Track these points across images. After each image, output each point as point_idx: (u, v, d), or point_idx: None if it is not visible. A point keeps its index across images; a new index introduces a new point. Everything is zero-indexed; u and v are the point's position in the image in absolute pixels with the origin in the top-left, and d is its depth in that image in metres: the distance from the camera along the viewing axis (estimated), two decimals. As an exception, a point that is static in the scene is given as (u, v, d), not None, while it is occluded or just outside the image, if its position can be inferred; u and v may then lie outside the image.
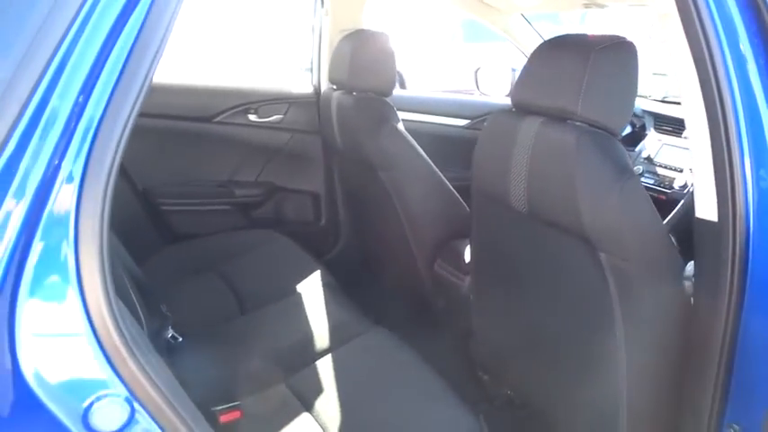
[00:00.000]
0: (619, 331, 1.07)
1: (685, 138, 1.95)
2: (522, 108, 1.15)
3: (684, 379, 1.07)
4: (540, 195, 1.10)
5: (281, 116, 2.19)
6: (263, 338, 1.41)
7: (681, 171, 1.86)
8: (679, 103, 2.08)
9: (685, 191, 1.79)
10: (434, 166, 1.72)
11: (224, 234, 2.04)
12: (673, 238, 1.12)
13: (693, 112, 0.93)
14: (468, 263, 1.55)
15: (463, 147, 2.31)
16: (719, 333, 0.97)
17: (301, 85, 2.23)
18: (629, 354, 1.08)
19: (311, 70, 2.23)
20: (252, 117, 2.17)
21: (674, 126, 1.99)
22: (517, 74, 2.24)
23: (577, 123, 1.02)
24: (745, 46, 0.88)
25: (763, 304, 0.93)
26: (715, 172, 0.91)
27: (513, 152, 1.12)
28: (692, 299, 1.07)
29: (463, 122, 2.42)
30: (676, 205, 1.78)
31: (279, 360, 1.32)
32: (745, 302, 0.94)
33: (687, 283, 1.06)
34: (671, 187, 1.86)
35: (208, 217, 2.17)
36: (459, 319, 1.61)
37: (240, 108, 2.14)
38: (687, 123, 0.98)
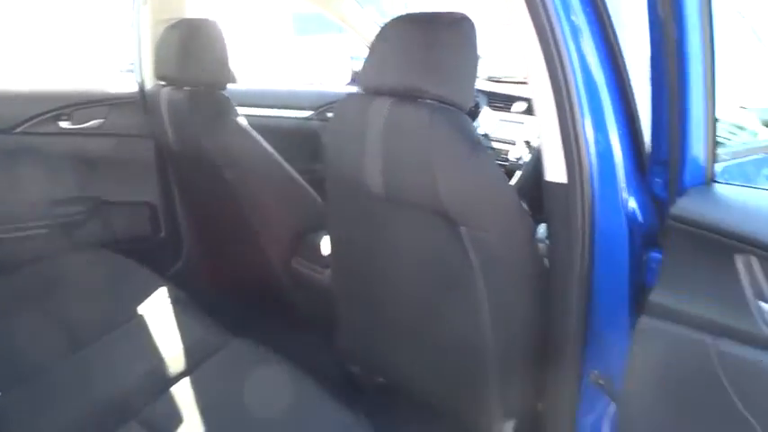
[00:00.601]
0: (482, 299, 1.09)
1: (515, 112, 2.08)
2: (371, 90, 1.12)
3: (547, 331, 1.12)
4: (396, 176, 1.08)
5: (100, 120, 1.94)
6: (102, 375, 1.23)
7: (514, 144, 1.97)
8: (504, 82, 2.23)
9: (520, 161, 1.91)
10: (282, 160, 1.64)
11: (46, 261, 1.76)
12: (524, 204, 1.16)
13: (539, 84, 0.96)
14: (327, 255, 1.50)
15: (309, 138, 2.27)
16: (575, 287, 1.02)
17: (123, 84, 2.00)
18: (493, 318, 1.11)
19: (134, 67, 2.01)
20: (64, 124, 1.89)
21: (504, 102, 2.10)
22: (356, 62, 2.23)
23: (428, 101, 1.02)
24: (579, 17, 0.91)
25: (609, 257, 0.99)
26: (562, 138, 0.95)
27: (366, 135, 1.09)
28: (545, 259, 1.13)
29: (306, 114, 2.35)
30: (512, 176, 1.89)
31: (126, 394, 1.16)
32: (595, 256, 0.99)
33: (540, 245, 1.11)
34: (507, 159, 1.96)
35: (23, 243, 1.87)
36: (322, 315, 1.56)
37: (48, 115, 1.86)
38: (533, 95, 1.01)
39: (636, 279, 0.99)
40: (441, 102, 1.02)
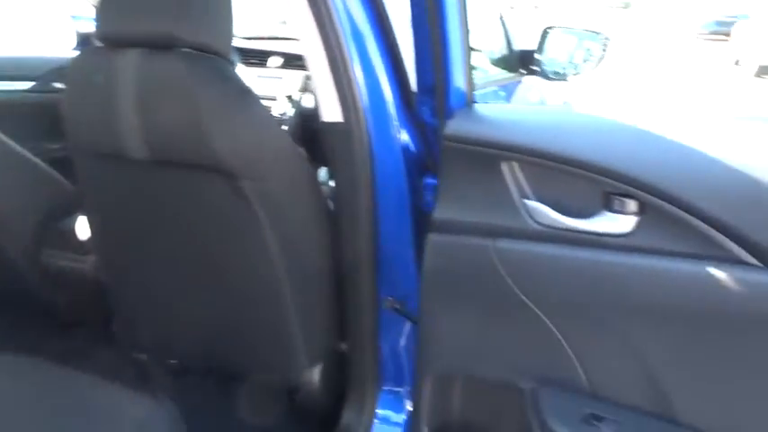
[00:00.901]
0: (272, 250, 1.07)
1: (272, 67, 2.04)
2: (112, 42, 0.97)
3: (341, 269, 1.14)
4: (160, 136, 0.98)
5: None
6: None
7: (275, 99, 1.94)
8: (257, 38, 2.18)
9: (285, 116, 1.89)
10: (10, 142, 1.36)
11: None
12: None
13: (308, 34, 0.95)
14: (87, 239, 1.31)
15: (36, 114, 1.92)
16: (362, 221, 1.05)
17: None
18: (287, 267, 1.09)
19: None
20: None
21: (259, 58, 2.05)
22: (81, 22, 1.94)
23: (185, 50, 0.92)
24: None
25: (390, 188, 1.04)
26: (335, 83, 0.96)
27: (115, 96, 0.96)
28: (329, 201, 1.14)
29: (26, 85, 1.98)
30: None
31: None
32: (377, 189, 1.03)
33: (324, 188, 1.12)
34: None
35: None
36: (92, 308, 1.37)
37: None
38: (303, 45, 0.99)
39: (416, 205, 1.06)
40: (199, 50, 0.94)
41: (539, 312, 0.83)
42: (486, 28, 1.72)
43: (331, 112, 1.01)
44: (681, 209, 0.67)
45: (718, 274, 0.66)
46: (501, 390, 0.96)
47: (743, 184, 0.65)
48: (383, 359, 1.22)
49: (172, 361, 1.42)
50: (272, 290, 1.13)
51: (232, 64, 1.98)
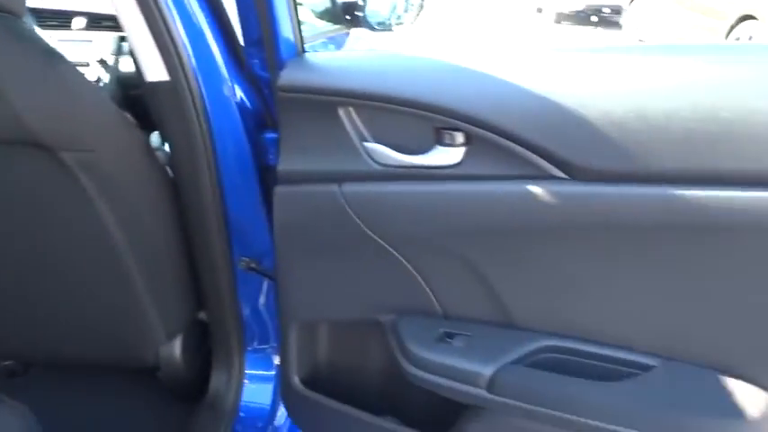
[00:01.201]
0: (110, 225, 1.01)
1: (77, 29, 1.84)
2: None
3: (190, 236, 1.11)
4: None
5: None
6: None
7: (88, 65, 1.76)
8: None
9: (101, 83, 1.73)
10: None
11: None
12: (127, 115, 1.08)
13: None
14: None
15: None
16: (205, 185, 1.02)
17: None
18: (130, 241, 1.04)
19: None
20: None
21: (59, 20, 1.83)
22: None
23: None
24: None
25: (230, 147, 1.02)
26: (155, 38, 0.91)
27: None
28: (167, 167, 1.09)
29: None
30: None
31: None
32: (217, 150, 1.00)
33: (159, 154, 1.06)
34: None
35: None
36: None
37: None
38: (115, 4, 0.91)
39: (260, 161, 1.05)
40: None
41: (389, 248, 0.88)
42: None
43: (154, 71, 0.95)
44: (501, 136, 0.75)
45: (537, 190, 0.75)
46: (363, 327, 1.01)
47: (551, 110, 0.73)
48: (245, 320, 1.22)
49: (7, 363, 1.29)
50: (114, 268, 1.06)
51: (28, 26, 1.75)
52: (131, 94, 1.50)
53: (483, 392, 0.84)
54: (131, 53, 0.99)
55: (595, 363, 0.83)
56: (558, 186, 0.74)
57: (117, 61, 1.74)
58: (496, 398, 0.83)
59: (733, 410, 0.74)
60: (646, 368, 0.80)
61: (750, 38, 5.60)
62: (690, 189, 0.67)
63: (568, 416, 0.80)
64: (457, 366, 0.85)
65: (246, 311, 1.21)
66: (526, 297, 0.85)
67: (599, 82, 0.72)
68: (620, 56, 0.75)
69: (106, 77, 1.73)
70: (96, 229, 1.00)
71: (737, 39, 5.65)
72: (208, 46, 0.97)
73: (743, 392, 0.75)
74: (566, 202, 0.74)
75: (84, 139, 0.91)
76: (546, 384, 0.82)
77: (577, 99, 0.71)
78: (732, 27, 5.68)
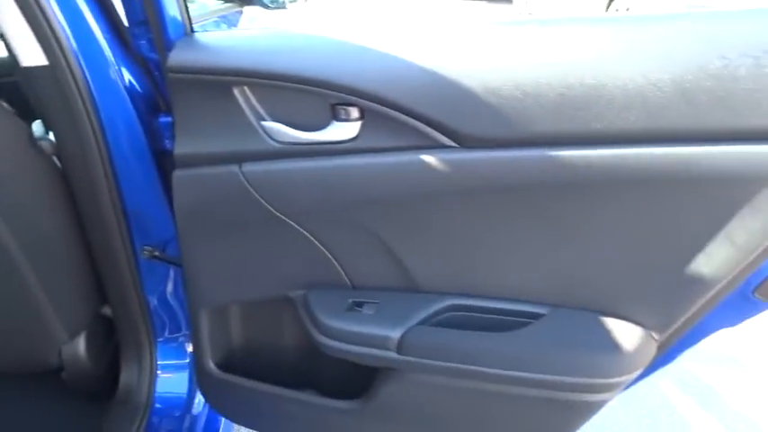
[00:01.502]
0: (2, 230, 0.96)
1: None
2: None
3: (87, 230, 1.08)
4: None
5: None
6: None
7: None
8: None
9: None
10: None
11: None
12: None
13: None
14: None
15: None
16: (97, 174, 0.98)
17: None
18: (21, 242, 0.99)
19: None
20: None
21: None
22: None
23: None
24: None
25: (122, 133, 0.98)
26: (28, 20, 0.87)
27: None
28: (54, 157, 1.03)
29: None
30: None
31: None
32: (107, 136, 0.97)
33: (44, 144, 1.00)
34: None
35: None
36: None
37: None
38: None
39: (157, 147, 1.02)
40: None
41: (294, 225, 0.89)
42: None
43: (30, 55, 0.89)
44: (394, 109, 0.78)
45: (430, 159, 0.79)
46: (274, 305, 1.02)
47: (438, 83, 0.76)
48: (153, 310, 1.19)
49: None
50: (3, 268, 1.00)
51: None
52: (4, 81, 1.39)
53: (393, 354, 0.88)
54: (1, 36, 0.92)
55: (494, 316, 0.89)
56: (448, 154, 0.78)
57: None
58: (406, 358, 0.88)
59: (613, 346, 0.82)
60: (537, 317, 0.87)
61: (627, 9, 6.03)
62: (564, 150, 0.73)
63: (472, 367, 0.87)
64: (366, 332, 0.89)
65: (154, 301, 1.19)
66: (428, 262, 0.89)
67: (482, 55, 0.77)
68: (503, 29, 0.80)
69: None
70: None
71: (617, 10, 6.07)
72: (88, 26, 0.92)
73: (621, 330, 0.84)
74: (456, 169, 0.78)
75: None
76: (450, 340, 0.87)
77: (462, 72, 0.75)
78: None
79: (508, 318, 0.88)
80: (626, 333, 0.83)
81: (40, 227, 1.05)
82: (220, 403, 1.15)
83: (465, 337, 0.87)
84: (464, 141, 0.77)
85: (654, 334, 0.84)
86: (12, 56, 0.91)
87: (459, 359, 0.87)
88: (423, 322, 0.89)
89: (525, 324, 0.87)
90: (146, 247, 1.10)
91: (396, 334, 0.87)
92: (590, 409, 0.89)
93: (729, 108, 0.66)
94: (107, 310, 1.24)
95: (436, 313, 0.90)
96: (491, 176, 0.78)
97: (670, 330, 0.84)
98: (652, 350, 0.85)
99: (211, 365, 1.09)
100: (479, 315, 0.89)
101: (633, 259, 0.80)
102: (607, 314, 0.85)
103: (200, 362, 1.09)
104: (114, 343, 1.26)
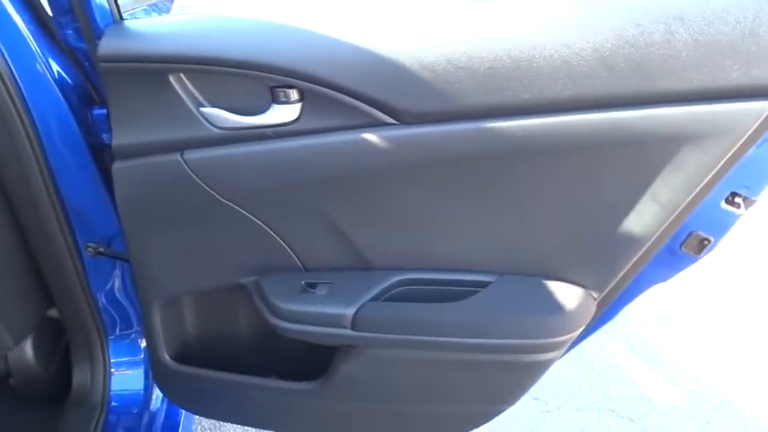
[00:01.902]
0: None
1: None
2: None
3: (27, 233, 1.05)
4: None
5: None
6: None
7: None
8: None
9: None
10: None
11: None
12: None
13: None
14: None
15: None
16: (33, 173, 0.96)
17: None
18: None
19: None
20: None
21: None
22: None
23: None
24: None
25: (55, 128, 0.96)
26: None
27: None
28: None
29: None
30: None
31: None
32: (40, 132, 0.94)
33: None
34: None
35: None
36: None
37: None
38: None
39: (90, 140, 0.99)
40: None
41: (242, 211, 0.89)
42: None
43: None
44: (333, 89, 0.78)
45: (370, 136, 0.80)
46: (227, 293, 1.01)
47: (374, 61, 0.77)
48: (102, 308, 1.17)
49: None
50: None
51: None
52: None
53: (348, 332, 0.90)
54: None
55: (443, 288, 0.91)
56: (388, 131, 0.79)
57: None
58: (361, 334, 0.90)
59: (556, 307, 0.87)
60: (485, 285, 0.90)
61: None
62: (497, 121, 0.75)
63: (425, 338, 0.89)
64: (320, 311, 0.90)
65: (102, 299, 1.16)
66: (377, 239, 0.90)
67: (415, 31, 0.78)
68: (434, 5, 0.82)
69: None
70: None
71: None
72: (10, 17, 0.89)
73: (563, 291, 0.88)
74: (397, 145, 0.80)
75: None
76: (403, 313, 0.89)
77: (396, 48, 0.76)
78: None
79: (457, 288, 0.91)
80: (567, 294, 0.87)
81: None
82: (179, 396, 1.14)
83: (417, 309, 0.89)
84: (402, 117, 0.78)
85: (593, 293, 0.89)
86: None
87: (413, 331, 0.89)
88: (375, 298, 0.90)
89: (473, 293, 0.89)
90: (90, 244, 1.07)
91: (349, 311, 0.89)
92: (539, 369, 0.93)
93: (646, 73, 0.70)
94: (54, 312, 1.20)
95: (388, 288, 0.91)
96: (431, 151, 0.80)
97: (608, 288, 0.89)
98: (592, 308, 0.89)
99: (167, 358, 1.07)
100: (429, 288, 0.92)
101: (569, 223, 0.84)
102: (549, 277, 0.89)
103: (154, 356, 1.07)
104: (64, 345, 1.23)
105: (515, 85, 0.73)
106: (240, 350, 1.10)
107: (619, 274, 0.87)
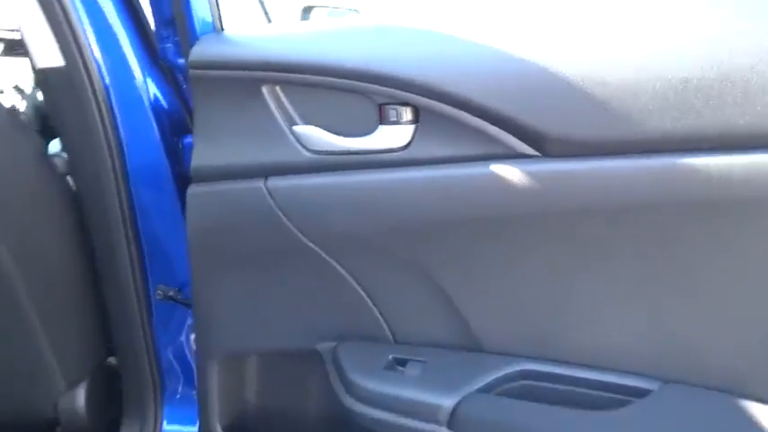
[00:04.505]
0: (5, 260, 0.87)
1: None
2: None
3: (98, 265, 0.98)
4: None
5: None
6: None
7: (2, 92, 1.64)
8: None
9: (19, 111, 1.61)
10: None
11: None
12: None
13: None
14: None
15: None
16: (112, 192, 0.89)
17: None
18: (22, 267, 0.90)
19: None
20: None
21: None
22: None
23: None
24: None
25: (142, 153, 0.90)
26: (50, 24, 0.81)
27: None
28: (67, 177, 0.96)
29: None
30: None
31: None
32: (126, 157, 0.88)
33: (57, 160, 0.94)
34: None
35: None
36: None
37: None
38: None
39: (177, 170, 0.92)
40: None
41: (326, 257, 0.75)
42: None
43: (47, 55, 0.83)
44: (456, 107, 0.64)
45: (501, 171, 0.63)
46: (297, 359, 0.87)
47: (517, 73, 0.63)
48: (163, 363, 1.06)
49: None
50: (4, 303, 0.92)
51: None
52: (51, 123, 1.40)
53: (443, 429, 0.70)
54: (22, 40, 0.86)
55: (580, 390, 0.70)
56: (526, 166, 0.62)
57: (35, 89, 1.63)
58: None
59: None
60: (642, 393, 0.67)
61: None
62: (688, 156, 0.55)
63: None
64: (409, 398, 0.72)
65: (166, 353, 1.05)
66: (493, 311, 0.73)
67: (573, 35, 0.63)
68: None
69: (23, 105, 1.61)
70: None
71: None
72: (111, 27, 0.85)
73: (758, 414, 0.62)
74: (537, 185, 0.63)
75: None
76: (521, 415, 0.69)
77: (546, 58, 0.61)
78: None
79: (599, 392, 0.69)
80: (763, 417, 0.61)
81: (47, 258, 0.96)
82: None
83: (543, 412, 0.68)
84: (549, 148, 0.62)
85: None
86: (30, 59, 0.85)
87: None
88: (484, 390, 0.71)
89: (624, 403, 0.67)
90: (160, 287, 0.98)
91: (448, 402, 0.70)
92: None
93: None
94: (113, 360, 1.11)
95: (502, 380, 0.72)
96: (583, 194, 0.62)
97: None
98: None
99: (218, 429, 0.94)
100: (561, 387, 0.71)
101: None
102: (739, 393, 0.64)
103: (205, 423, 0.94)
104: (117, 394, 1.14)
105: (722, 104, 0.53)
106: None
107: None
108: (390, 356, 0.76)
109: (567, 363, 0.70)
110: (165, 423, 1.08)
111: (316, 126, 0.71)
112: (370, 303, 0.77)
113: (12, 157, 0.90)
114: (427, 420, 0.70)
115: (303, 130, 0.71)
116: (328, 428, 0.93)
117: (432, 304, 0.74)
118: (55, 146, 1.05)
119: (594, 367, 0.69)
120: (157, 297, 0.98)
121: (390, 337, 0.78)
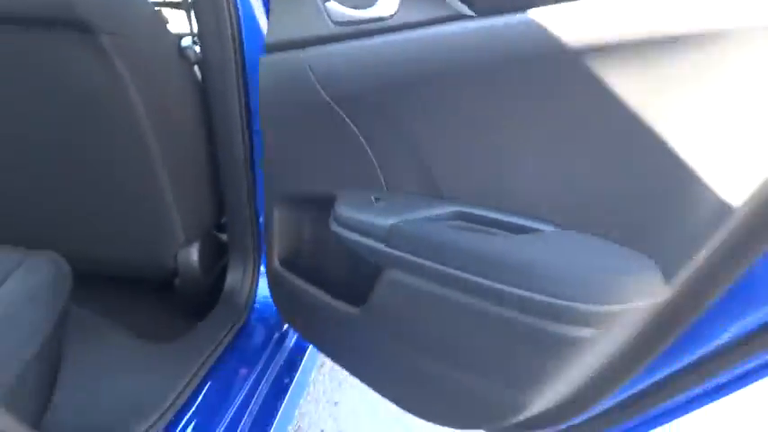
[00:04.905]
0: (141, 118, 1.03)
1: None
2: None
3: (217, 143, 1.13)
4: None
5: None
6: None
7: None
8: None
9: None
10: None
11: None
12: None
13: None
14: None
15: None
16: (232, 85, 1.04)
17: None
18: (158, 137, 1.06)
19: None
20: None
21: None
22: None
23: None
24: None
25: (249, 29, 1.03)
26: None
27: None
28: (195, 68, 1.13)
29: None
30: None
31: None
32: (245, 50, 1.03)
33: (188, 51, 1.10)
34: None
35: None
36: None
37: None
38: None
39: None
40: None
41: (344, 116, 0.86)
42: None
43: None
44: None
45: (446, 31, 0.70)
46: (325, 206, 1.00)
47: None
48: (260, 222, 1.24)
49: None
50: (142, 160, 1.07)
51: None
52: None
53: (380, 246, 0.82)
54: None
55: (501, 231, 0.76)
56: (464, 24, 0.69)
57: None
58: (392, 251, 0.81)
59: (611, 267, 0.64)
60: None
61: None
62: None
63: (457, 272, 0.75)
64: (365, 220, 0.84)
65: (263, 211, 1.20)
66: (449, 163, 0.80)
67: None
68: None
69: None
70: (128, 118, 1.02)
71: None
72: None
73: (627, 255, 0.65)
74: (470, 42, 0.69)
75: (122, 22, 0.95)
76: (440, 236, 0.77)
77: None
78: None
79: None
80: (632, 259, 0.64)
81: (177, 130, 1.11)
82: (279, 300, 1.17)
83: (455, 234, 0.76)
84: (478, 5, 0.68)
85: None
86: None
87: (447, 260, 0.76)
88: (422, 220, 0.80)
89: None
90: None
91: (386, 222, 0.81)
92: (571, 347, 0.70)
93: None
94: (223, 220, 1.30)
95: (441, 216, 0.80)
96: (505, 47, 0.67)
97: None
98: (659, 288, 0.63)
99: (276, 262, 1.11)
100: (485, 228, 0.77)
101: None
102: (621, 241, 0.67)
103: (269, 258, 1.12)
104: (224, 260, 1.33)
105: None
106: (325, 265, 1.08)
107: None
108: (373, 197, 0.87)
109: (496, 209, 0.76)
110: (263, 265, 1.27)
111: (338, 1, 0.81)
112: (371, 155, 0.87)
113: (156, 40, 1.02)
114: (375, 239, 0.83)
115: (331, 5, 0.82)
116: (338, 262, 1.05)
117: (410, 156, 0.83)
118: (186, 41, 1.21)
119: (517, 214, 0.75)
120: (262, 168, 1.12)
121: (384, 187, 0.88)
